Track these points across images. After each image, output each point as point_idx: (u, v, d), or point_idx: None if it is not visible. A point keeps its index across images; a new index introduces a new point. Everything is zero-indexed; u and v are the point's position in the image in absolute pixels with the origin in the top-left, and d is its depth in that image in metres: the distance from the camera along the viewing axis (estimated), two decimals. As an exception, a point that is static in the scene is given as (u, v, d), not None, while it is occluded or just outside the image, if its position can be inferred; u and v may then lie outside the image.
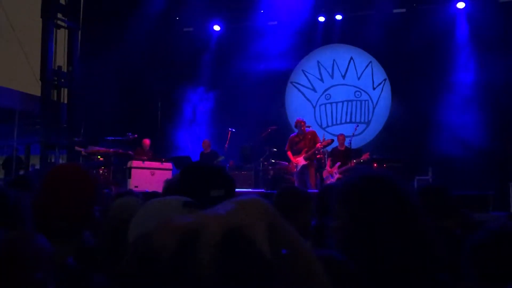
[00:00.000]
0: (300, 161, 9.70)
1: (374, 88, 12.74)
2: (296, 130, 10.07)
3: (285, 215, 2.42)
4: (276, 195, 2.80)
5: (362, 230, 1.31)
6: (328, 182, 9.56)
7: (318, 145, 9.75)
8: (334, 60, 13.11)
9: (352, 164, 9.89)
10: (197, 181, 2.06)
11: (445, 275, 1.38)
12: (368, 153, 10.19)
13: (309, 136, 9.87)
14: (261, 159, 11.00)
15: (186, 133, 12.31)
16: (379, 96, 12.68)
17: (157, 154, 11.14)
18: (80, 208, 1.81)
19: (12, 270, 1.26)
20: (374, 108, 12.73)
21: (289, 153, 9.91)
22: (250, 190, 9.41)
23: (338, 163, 10.03)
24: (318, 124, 13.00)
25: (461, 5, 11.57)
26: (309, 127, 10.40)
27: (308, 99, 13.39)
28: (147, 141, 11.04)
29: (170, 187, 3.73)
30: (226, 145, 11.09)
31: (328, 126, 13.02)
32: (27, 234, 1.40)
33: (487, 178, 9.94)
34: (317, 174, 10.38)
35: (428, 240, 1.32)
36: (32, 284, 1.28)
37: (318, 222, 2.93)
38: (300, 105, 13.31)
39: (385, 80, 12.58)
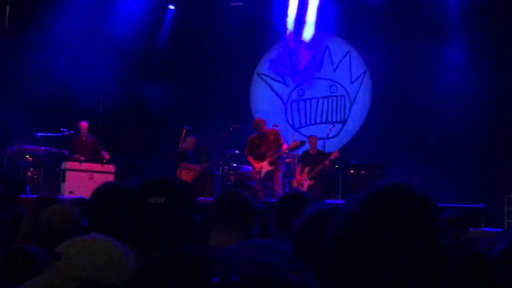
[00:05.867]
0: (265, 166, 9.21)
1: (352, 82, 12.13)
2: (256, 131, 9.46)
3: (225, 224, 2.78)
4: (214, 202, 2.73)
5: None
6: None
7: (284, 147, 9.29)
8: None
9: (324, 167, 9.44)
10: (137, 187, 2.03)
11: None
12: (337, 151, 9.73)
13: (272, 137, 9.31)
14: (221, 163, 10.42)
15: (132, 130, 11.84)
16: (358, 91, 12.04)
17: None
18: None
19: None
20: (351, 105, 12.11)
21: (250, 158, 9.52)
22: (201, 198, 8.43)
23: (307, 168, 9.52)
24: (289, 124, 12.38)
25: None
26: (277, 126, 9.89)
27: (277, 94, 12.68)
28: (84, 124, 10.17)
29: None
30: (180, 145, 10.24)
31: (301, 127, 12.37)
32: None
33: (479, 189, 9.32)
34: (286, 181, 10.05)
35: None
36: None
37: (261, 231, 2.84)
38: (269, 100, 12.63)
39: (365, 73, 11.97)
